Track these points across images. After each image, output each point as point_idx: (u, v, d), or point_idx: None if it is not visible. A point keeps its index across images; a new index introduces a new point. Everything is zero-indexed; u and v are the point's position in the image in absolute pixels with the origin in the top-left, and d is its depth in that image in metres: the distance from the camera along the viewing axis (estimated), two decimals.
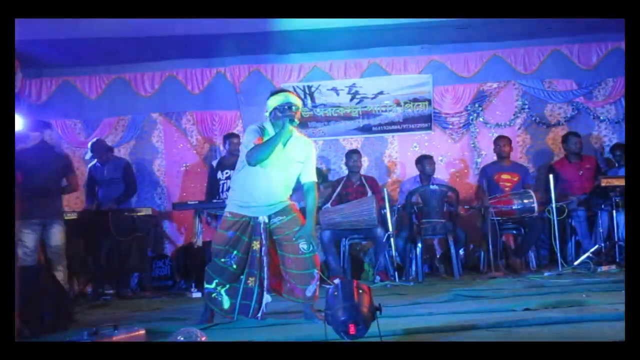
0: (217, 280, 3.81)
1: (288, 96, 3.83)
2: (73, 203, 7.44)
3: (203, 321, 3.84)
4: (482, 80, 7.70)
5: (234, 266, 3.79)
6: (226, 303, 3.81)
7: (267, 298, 3.83)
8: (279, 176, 3.82)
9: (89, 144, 6.88)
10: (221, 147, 7.37)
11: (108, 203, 6.42)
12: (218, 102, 7.78)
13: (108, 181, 6.64)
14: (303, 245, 3.79)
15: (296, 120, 3.78)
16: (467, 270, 6.63)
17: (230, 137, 6.88)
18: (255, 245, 3.79)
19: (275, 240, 3.85)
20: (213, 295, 3.81)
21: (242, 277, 3.81)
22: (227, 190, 6.69)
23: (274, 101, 3.84)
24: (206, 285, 3.84)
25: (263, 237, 3.79)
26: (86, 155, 6.99)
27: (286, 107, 3.78)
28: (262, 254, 3.79)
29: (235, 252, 3.78)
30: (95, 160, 6.77)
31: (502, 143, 6.86)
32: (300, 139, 3.93)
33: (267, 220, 3.81)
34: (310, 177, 3.93)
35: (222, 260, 3.79)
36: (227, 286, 3.81)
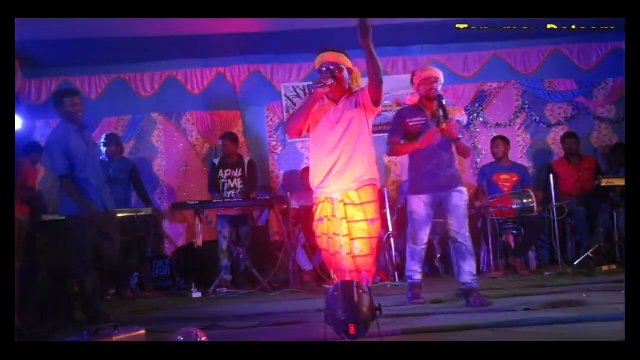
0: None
1: (323, 57, 3.61)
2: None
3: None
4: (482, 80, 7.69)
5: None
6: None
7: None
8: (334, 142, 3.56)
9: (104, 135, 6.89)
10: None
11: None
12: (218, 102, 7.77)
13: (112, 180, 6.65)
14: (357, 246, 3.51)
15: (328, 82, 3.49)
16: None
17: (223, 138, 6.90)
18: (335, 223, 3.52)
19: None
20: None
21: None
22: (228, 189, 6.72)
23: (316, 65, 3.67)
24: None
25: (338, 215, 3.51)
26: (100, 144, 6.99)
27: (318, 71, 3.61)
28: (342, 233, 3.50)
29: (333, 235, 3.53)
30: (104, 154, 6.77)
31: (496, 144, 6.87)
32: (355, 90, 3.68)
33: (339, 197, 3.53)
34: None
35: (326, 246, 3.58)
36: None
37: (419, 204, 4.23)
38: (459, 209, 4.17)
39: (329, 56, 3.61)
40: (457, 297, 4.50)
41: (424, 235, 4.27)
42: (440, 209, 4.27)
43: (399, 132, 4.32)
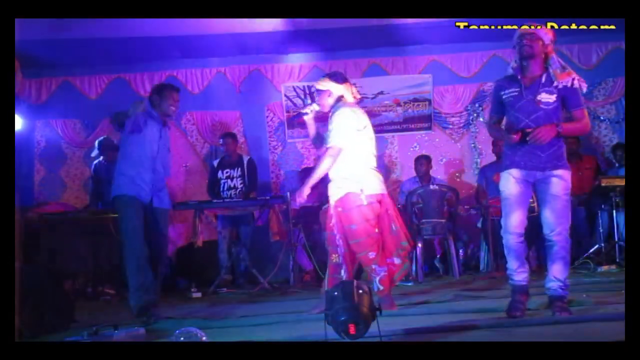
0: None
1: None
2: (74, 202, 7.45)
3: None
4: (482, 80, 7.69)
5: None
6: None
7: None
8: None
9: (97, 142, 6.87)
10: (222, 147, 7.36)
11: None
12: (218, 102, 7.78)
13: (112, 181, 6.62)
14: (354, 247, 3.98)
15: (303, 110, 4.30)
16: (467, 270, 6.63)
17: (224, 137, 6.88)
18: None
19: None
20: None
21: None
22: (228, 189, 6.72)
23: None
24: None
25: (333, 219, 4.03)
26: (92, 152, 6.97)
27: None
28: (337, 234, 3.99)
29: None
30: (101, 157, 6.76)
31: (497, 144, 6.86)
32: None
33: (332, 204, 4.06)
34: (328, 141, 4.03)
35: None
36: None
37: (509, 179, 3.54)
38: (558, 200, 3.44)
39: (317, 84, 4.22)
40: (455, 297, 4.51)
41: (516, 220, 3.53)
42: (535, 195, 3.58)
43: (495, 109, 3.73)
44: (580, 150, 7.12)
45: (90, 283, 6.45)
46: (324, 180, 4.10)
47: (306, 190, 3.99)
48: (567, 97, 3.47)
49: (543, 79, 3.50)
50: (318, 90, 4.17)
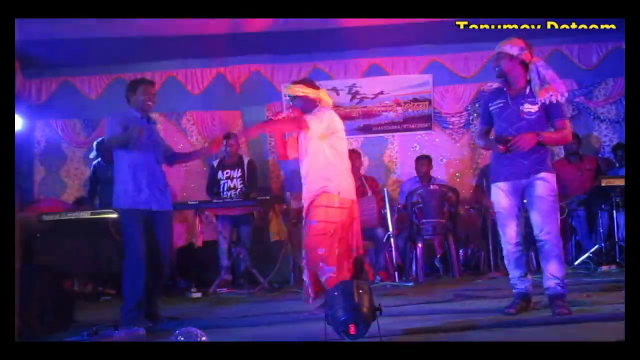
0: None
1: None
2: (73, 202, 7.44)
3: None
4: (482, 80, 7.67)
5: None
6: None
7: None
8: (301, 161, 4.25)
9: (95, 143, 6.86)
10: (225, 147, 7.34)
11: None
12: (218, 102, 7.78)
13: (111, 181, 6.63)
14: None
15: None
16: (467, 270, 6.63)
17: (227, 138, 6.87)
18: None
19: None
20: None
21: None
22: (228, 189, 6.72)
23: None
24: None
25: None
26: (91, 154, 6.97)
27: None
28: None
29: None
30: (99, 159, 6.76)
31: None
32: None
33: (306, 205, 4.14)
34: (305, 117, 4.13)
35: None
36: None
37: (498, 193, 3.72)
38: (544, 201, 3.58)
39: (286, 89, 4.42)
40: (455, 297, 4.51)
41: (511, 231, 3.70)
42: (524, 200, 3.71)
43: (484, 120, 3.91)
44: (581, 150, 7.12)
45: (90, 283, 6.45)
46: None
47: (253, 131, 4.43)
48: (549, 108, 3.62)
49: (527, 91, 3.67)
50: (293, 97, 4.23)
